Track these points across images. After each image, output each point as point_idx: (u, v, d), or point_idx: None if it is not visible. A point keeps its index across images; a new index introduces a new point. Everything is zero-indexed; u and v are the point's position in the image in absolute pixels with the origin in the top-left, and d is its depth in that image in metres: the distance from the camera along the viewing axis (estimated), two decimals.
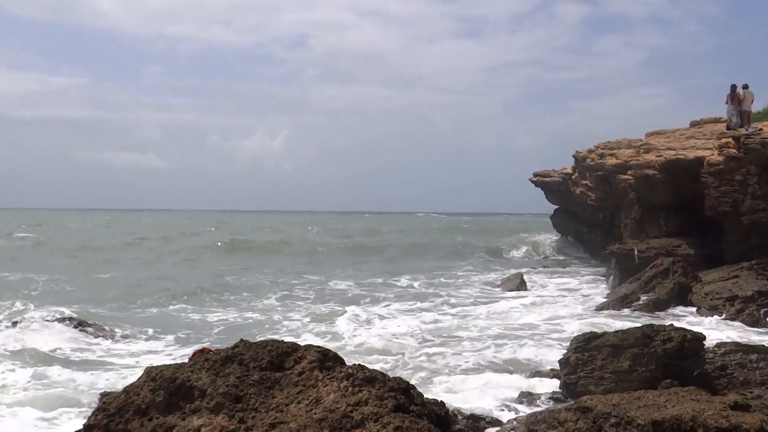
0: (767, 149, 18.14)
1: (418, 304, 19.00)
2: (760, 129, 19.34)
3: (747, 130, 19.51)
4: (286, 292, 21.82)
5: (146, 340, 14.25)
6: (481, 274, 28.54)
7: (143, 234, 53.01)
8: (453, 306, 18.95)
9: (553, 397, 8.92)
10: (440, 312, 17.80)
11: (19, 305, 17.30)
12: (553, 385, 9.53)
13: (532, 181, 39.66)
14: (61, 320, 14.66)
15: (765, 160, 18.41)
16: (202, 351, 6.98)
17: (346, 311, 17.19)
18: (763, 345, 9.34)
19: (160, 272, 28.16)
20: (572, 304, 19.13)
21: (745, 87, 20.72)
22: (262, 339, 6.88)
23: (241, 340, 6.71)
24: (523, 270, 27.39)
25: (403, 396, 5.96)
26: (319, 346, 6.67)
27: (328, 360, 6.44)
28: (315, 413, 5.74)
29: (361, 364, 6.46)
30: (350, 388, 5.96)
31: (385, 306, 18.98)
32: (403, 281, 25.15)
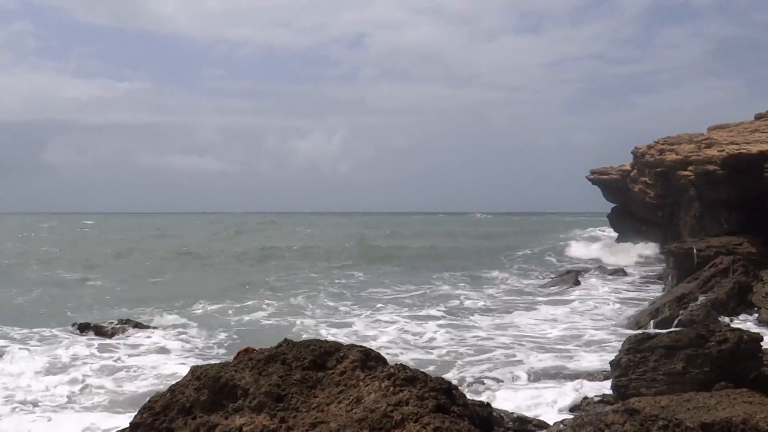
0: None
1: (451, 308, 18.54)
2: None
3: None
4: (315, 293, 21.97)
5: (190, 338, 14.41)
6: (532, 275, 28.13)
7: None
8: (493, 310, 18.44)
9: (604, 400, 8.72)
10: (480, 315, 17.48)
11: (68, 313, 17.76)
12: (603, 387, 9.32)
13: (590, 179, 39.02)
14: (123, 322, 15.11)
15: None
16: (246, 350, 7.01)
17: (374, 315, 17.17)
18: None
19: (206, 274, 28.74)
20: (627, 304, 18.70)
21: None
22: (305, 338, 6.88)
23: (285, 339, 6.71)
24: (578, 268, 26.95)
25: (444, 396, 5.88)
26: (361, 346, 6.62)
27: (370, 360, 6.39)
28: (355, 413, 5.71)
29: (403, 364, 6.40)
30: (391, 388, 5.90)
31: (415, 310, 18.33)
32: (440, 285, 24.48)
